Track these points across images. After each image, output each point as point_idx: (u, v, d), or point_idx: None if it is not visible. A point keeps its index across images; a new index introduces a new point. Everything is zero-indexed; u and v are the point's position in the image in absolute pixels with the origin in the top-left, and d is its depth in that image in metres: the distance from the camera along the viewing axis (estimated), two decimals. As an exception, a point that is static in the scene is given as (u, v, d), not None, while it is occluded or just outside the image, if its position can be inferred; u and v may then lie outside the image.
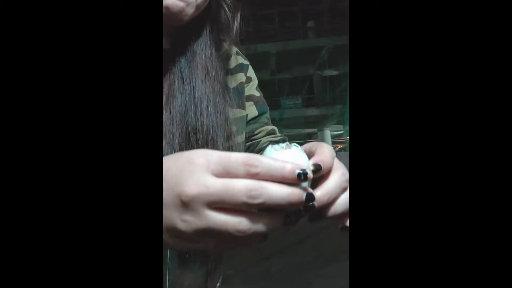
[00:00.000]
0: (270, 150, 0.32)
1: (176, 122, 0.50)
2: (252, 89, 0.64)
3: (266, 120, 0.66)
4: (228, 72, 0.60)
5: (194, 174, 0.29)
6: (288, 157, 0.31)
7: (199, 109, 0.51)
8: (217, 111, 0.53)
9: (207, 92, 0.52)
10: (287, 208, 0.29)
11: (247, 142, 0.63)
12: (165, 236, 0.30)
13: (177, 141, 0.49)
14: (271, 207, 0.29)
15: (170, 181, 0.29)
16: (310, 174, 0.29)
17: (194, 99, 0.52)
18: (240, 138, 0.58)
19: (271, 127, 0.67)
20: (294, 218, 0.30)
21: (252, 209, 0.29)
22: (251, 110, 0.63)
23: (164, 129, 0.49)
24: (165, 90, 0.52)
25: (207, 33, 0.54)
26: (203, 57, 0.53)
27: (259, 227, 0.29)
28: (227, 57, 0.60)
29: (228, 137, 0.54)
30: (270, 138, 0.65)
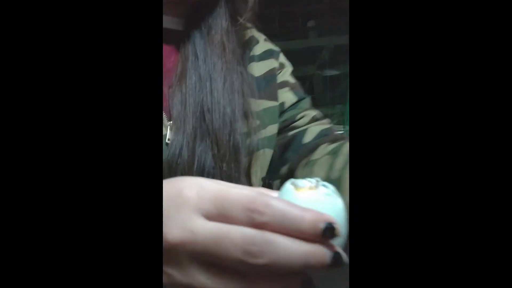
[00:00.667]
0: (289, 188, 0.24)
1: (189, 102, 0.44)
2: (286, 75, 0.57)
3: (307, 106, 0.56)
4: (253, 58, 0.54)
5: (180, 213, 0.23)
6: (312, 201, 0.23)
7: (215, 86, 0.45)
8: (234, 89, 0.46)
9: (223, 68, 0.47)
10: (302, 271, 0.22)
11: (288, 131, 0.54)
12: None
13: (190, 123, 0.43)
14: (279, 271, 0.21)
15: None
16: (340, 232, 0.21)
17: (210, 75, 0.46)
18: (269, 131, 0.51)
19: (315, 111, 0.56)
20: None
21: (251, 271, 0.21)
22: (288, 96, 0.55)
23: (175, 111, 0.44)
24: (178, 68, 0.46)
25: (223, 6, 0.49)
26: (219, 31, 0.48)
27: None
28: (246, 37, 0.55)
29: (249, 133, 0.47)
30: (317, 125, 0.54)
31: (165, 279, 0.23)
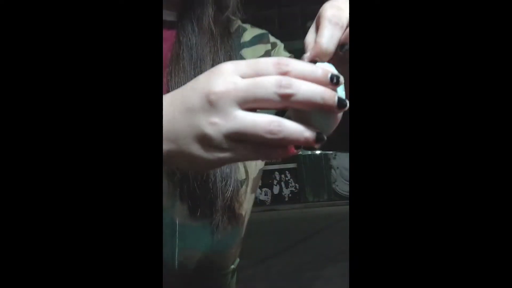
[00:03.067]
0: None
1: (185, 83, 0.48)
2: (281, 52, 0.62)
3: None
4: (245, 45, 0.60)
5: (221, 76, 0.28)
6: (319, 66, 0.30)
7: (204, 67, 0.50)
8: None
9: (212, 51, 0.53)
10: (319, 105, 0.28)
11: None
12: (194, 148, 0.29)
13: None
14: (303, 101, 0.27)
15: (198, 86, 0.29)
16: (343, 80, 0.28)
17: (200, 58, 0.52)
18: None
19: None
20: (324, 136, 0.29)
21: (283, 102, 0.27)
22: None
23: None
24: (174, 53, 0.52)
25: (209, 0, 0.56)
26: (207, 18, 0.54)
27: (291, 131, 0.28)
28: (234, 26, 0.60)
29: None
30: None
31: (212, 130, 0.28)
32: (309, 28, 0.33)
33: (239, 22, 0.62)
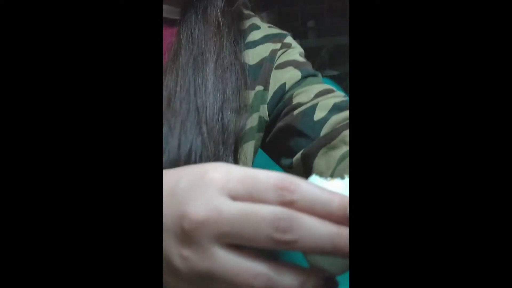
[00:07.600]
0: (315, 178, 0.24)
1: (181, 80, 0.43)
2: (292, 54, 0.53)
3: (314, 82, 0.50)
4: (249, 45, 0.52)
5: (205, 193, 0.22)
6: (338, 189, 0.23)
7: (207, 62, 0.44)
8: (226, 66, 0.46)
9: (217, 45, 0.46)
10: (328, 252, 0.21)
11: (292, 110, 0.48)
12: (166, 275, 0.23)
13: (183, 103, 0.42)
14: (305, 249, 0.21)
15: (176, 197, 0.23)
16: None
17: (203, 52, 0.45)
18: (255, 116, 0.50)
19: (323, 86, 0.49)
20: (335, 281, 0.22)
21: (278, 247, 0.21)
22: (292, 75, 0.50)
23: (167, 90, 0.42)
24: (173, 47, 0.46)
25: None
26: (214, 9, 0.48)
27: (285, 285, 0.21)
28: (245, 21, 0.54)
29: (240, 113, 0.46)
30: (329, 98, 0.47)
31: (182, 265, 0.22)
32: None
33: (254, 20, 0.55)
